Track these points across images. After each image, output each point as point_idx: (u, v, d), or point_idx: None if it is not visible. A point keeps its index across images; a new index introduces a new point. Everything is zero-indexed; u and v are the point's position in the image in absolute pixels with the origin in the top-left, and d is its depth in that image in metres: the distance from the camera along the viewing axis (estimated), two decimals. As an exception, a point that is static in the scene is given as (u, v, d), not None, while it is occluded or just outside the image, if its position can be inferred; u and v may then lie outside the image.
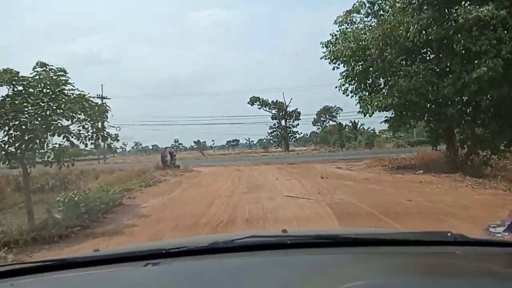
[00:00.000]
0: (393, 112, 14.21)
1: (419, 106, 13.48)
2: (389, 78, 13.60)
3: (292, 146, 50.83)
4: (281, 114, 45.86)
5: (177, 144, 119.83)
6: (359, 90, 14.59)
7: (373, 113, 13.61)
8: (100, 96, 48.31)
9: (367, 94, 14.43)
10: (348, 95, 14.94)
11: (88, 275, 1.24)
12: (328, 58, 14.53)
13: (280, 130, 46.45)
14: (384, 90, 13.87)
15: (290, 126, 46.68)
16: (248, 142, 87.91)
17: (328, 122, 69.08)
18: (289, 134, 46.66)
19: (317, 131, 76.74)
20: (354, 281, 0.93)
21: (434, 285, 0.97)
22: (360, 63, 14.33)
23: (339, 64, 14.65)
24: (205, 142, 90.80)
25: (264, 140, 75.11)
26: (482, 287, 0.96)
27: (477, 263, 1.15)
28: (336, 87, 15.06)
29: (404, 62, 13.92)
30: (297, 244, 1.33)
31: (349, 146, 49.81)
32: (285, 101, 45.70)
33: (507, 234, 1.50)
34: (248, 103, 46.10)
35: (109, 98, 49.00)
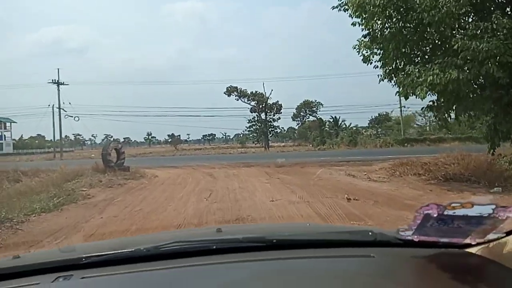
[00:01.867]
0: (440, 96, 9.05)
1: (495, 85, 8.38)
2: (447, 40, 8.46)
3: (269, 142, 45.18)
4: (261, 106, 40.25)
5: (150, 137, 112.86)
6: (392, 58, 9.30)
7: (425, 94, 8.31)
8: (56, 81, 41.48)
9: (402, 64, 9.18)
10: (372, 63, 9.67)
11: None
12: (348, 7, 9.19)
13: (259, 124, 40.85)
14: (438, 60, 8.58)
15: (271, 120, 41.18)
16: (224, 136, 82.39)
17: (308, 118, 64.66)
18: (269, 129, 41.17)
19: (296, 126, 72.39)
20: None
21: None
22: (396, 18, 9.06)
23: (362, 19, 9.32)
24: (179, 136, 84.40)
25: (241, 135, 69.57)
26: None
27: (387, 267, 1.18)
28: (355, 47, 9.73)
29: (470, 16, 8.80)
30: (226, 249, 1.24)
31: (331, 143, 45.21)
32: (265, 92, 40.18)
33: (416, 237, 1.11)
34: (224, 93, 40.21)
35: (67, 84, 42.24)
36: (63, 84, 41.43)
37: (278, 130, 44.83)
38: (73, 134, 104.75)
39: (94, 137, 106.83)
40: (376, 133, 49.99)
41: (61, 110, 41.73)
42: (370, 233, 1.31)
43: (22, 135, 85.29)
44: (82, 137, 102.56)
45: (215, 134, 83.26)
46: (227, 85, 40.56)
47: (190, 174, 12.84)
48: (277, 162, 16.14)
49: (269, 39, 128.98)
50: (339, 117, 55.51)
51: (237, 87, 39.98)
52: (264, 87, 39.91)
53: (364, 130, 52.00)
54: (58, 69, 40.95)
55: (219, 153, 31.39)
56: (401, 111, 45.84)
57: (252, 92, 39.97)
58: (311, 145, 52.96)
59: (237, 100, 40.63)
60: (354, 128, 52.62)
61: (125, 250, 1.19)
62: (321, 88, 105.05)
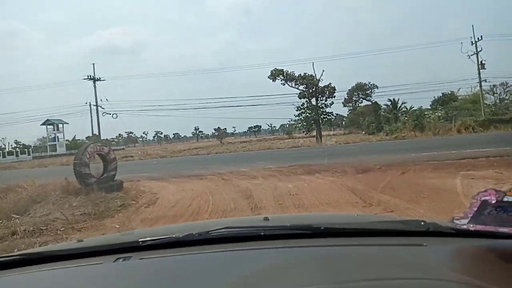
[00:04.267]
0: None
1: None
2: None
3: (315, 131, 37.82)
4: (311, 90, 33.67)
5: (197, 132, 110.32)
6: None
7: None
8: (92, 77, 38.00)
9: None
10: None
11: (53, 272, 1.10)
12: None
13: (309, 111, 34.37)
14: None
15: (323, 105, 34.47)
16: (270, 127, 76.88)
17: (361, 102, 56.37)
18: (321, 116, 34.52)
19: (347, 113, 64.41)
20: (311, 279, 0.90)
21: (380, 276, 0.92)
22: None
23: None
24: (225, 129, 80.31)
25: (287, 125, 63.34)
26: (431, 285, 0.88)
27: (440, 256, 1.05)
28: None
29: None
30: (274, 236, 1.22)
31: (390, 129, 37.56)
32: (315, 74, 33.49)
33: (471, 225, 0.92)
34: (269, 77, 34.09)
35: (103, 80, 38.64)
36: (99, 80, 37.88)
37: (332, 117, 37.90)
38: (126, 132, 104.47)
39: (146, 134, 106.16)
40: (445, 115, 41.35)
41: (100, 107, 38.20)
42: (422, 223, 1.20)
43: (75, 135, 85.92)
44: (134, 135, 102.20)
45: (260, 126, 78.08)
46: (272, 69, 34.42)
47: (215, 194, 7.10)
48: (349, 162, 9.97)
49: (315, 22, 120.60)
50: (398, 99, 47.10)
51: (283, 69, 33.70)
52: (314, 68, 33.30)
53: (430, 112, 43.60)
54: (94, 64, 37.36)
55: (265, 148, 25.60)
56: (480, 85, 36.92)
57: (300, 74, 33.50)
58: (363, 131, 45.59)
59: (283, 85, 34.40)
60: (418, 110, 44.22)
61: (178, 235, 1.23)
62: (375, 68, 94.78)
